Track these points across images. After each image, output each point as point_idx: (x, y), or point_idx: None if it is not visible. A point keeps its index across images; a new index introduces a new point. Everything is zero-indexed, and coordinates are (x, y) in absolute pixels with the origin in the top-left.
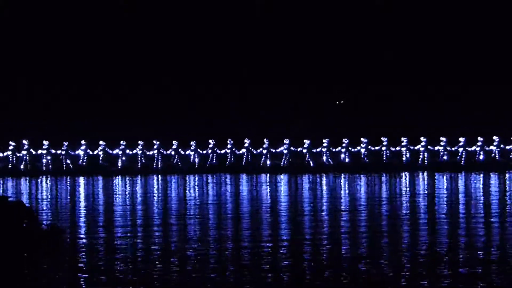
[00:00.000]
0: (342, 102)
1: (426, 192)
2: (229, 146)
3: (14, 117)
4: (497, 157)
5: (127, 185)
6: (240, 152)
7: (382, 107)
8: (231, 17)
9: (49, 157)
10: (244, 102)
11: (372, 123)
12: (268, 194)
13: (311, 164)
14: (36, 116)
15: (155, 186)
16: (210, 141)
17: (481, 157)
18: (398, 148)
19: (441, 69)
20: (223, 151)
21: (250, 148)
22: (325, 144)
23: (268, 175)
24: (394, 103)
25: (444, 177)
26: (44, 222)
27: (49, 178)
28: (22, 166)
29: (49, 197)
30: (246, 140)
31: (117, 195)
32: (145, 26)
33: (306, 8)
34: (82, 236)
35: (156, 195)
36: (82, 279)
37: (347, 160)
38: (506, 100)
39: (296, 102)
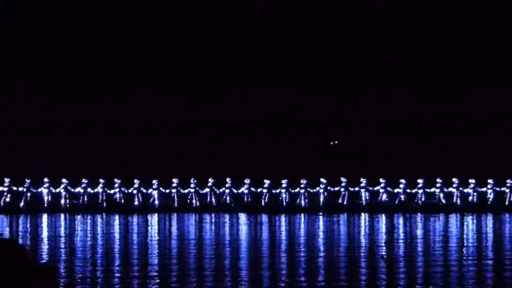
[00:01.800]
0: (336, 142)
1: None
2: (192, 185)
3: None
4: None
5: (89, 223)
6: (204, 191)
7: (382, 107)
8: (231, 17)
9: (9, 195)
10: (244, 102)
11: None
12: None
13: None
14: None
15: (117, 226)
16: (174, 180)
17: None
18: (357, 189)
19: (441, 69)
20: (186, 191)
21: (214, 187)
22: (284, 185)
23: (228, 215)
24: (394, 103)
25: (400, 219)
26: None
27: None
28: None
29: (33, 235)
30: (210, 180)
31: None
32: (145, 26)
33: (306, 8)
34: (75, 275)
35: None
36: None
37: (305, 201)
38: (506, 100)
39: (296, 102)
